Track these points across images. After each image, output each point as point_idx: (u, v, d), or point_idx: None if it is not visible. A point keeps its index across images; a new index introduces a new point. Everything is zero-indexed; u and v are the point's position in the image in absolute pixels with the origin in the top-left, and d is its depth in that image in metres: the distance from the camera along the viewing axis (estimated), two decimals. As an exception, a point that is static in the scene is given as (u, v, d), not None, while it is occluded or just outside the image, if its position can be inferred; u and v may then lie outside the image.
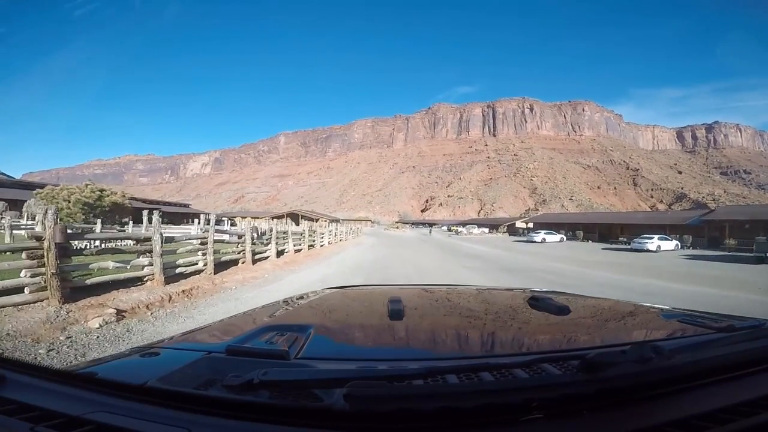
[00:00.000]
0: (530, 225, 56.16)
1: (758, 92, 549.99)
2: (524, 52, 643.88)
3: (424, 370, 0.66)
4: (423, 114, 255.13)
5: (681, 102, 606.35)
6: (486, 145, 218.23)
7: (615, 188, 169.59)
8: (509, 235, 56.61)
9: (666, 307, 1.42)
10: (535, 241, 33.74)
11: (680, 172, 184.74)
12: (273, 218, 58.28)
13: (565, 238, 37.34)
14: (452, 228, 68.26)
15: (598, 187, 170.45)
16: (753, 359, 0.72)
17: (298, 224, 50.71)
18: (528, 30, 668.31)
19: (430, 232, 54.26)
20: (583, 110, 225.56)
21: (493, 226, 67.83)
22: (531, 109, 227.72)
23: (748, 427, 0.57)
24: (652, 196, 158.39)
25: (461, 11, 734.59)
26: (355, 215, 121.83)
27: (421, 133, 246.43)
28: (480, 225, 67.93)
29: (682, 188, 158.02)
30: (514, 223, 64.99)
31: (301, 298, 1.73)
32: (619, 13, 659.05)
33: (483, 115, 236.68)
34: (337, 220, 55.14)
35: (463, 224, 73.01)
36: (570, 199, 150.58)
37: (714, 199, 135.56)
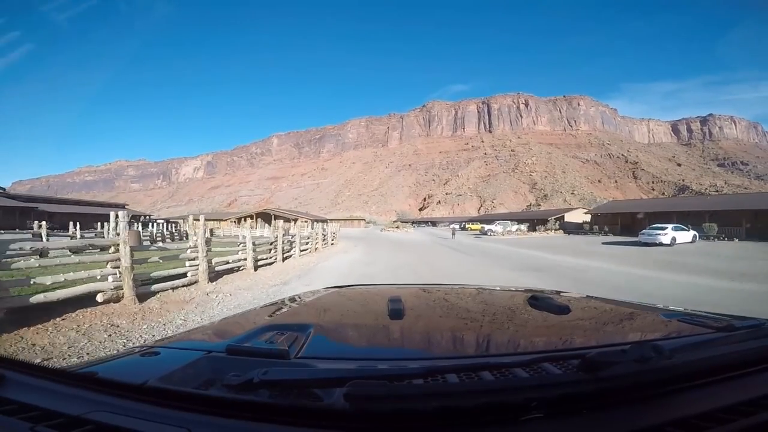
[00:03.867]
0: (586, 217, 41.27)
1: (749, 85, 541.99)
2: (517, 49, 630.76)
3: (424, 369, 0.64)
4: (417, 112, 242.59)
5: (673, 95, 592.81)
6: (482, 141, 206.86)
7: (616, 181, 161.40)
8: (564, 232, 39.71)
9: (666, 306, 1.38)
10: (661, 244, 19.95)
11: (679, 165, 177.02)
12: (238, 220, 44.22)
13: (697, 235, 23.37)
14: (467, 226, 52.34)
15: (599, 181, 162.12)
16: (753, 359, 0.71)
17: (270, 225, 38.35)
18: (519, 26, 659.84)
19: (453, 234, 33.06)
20: (579, 105, 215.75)
21: (538, 220, 46.68)
22: (526, 105, 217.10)
23: (748, 427, 0.55)
24: (653, 189, 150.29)
25: (453, 9, 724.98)
26: (350, 216, 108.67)
27: (416, 131, 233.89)
28: (514, 221, 46.54)
29: (683, 180, 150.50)
30: (562, 216, 45.98)
31: (302, 297, 1.68)
32: (607, 8, 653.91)
33: (478, 112, 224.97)
34: (324, 220, 42.07)
35: (490, 220, 50.37)
36: (572, 193, 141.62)
37: (717, 191, 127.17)
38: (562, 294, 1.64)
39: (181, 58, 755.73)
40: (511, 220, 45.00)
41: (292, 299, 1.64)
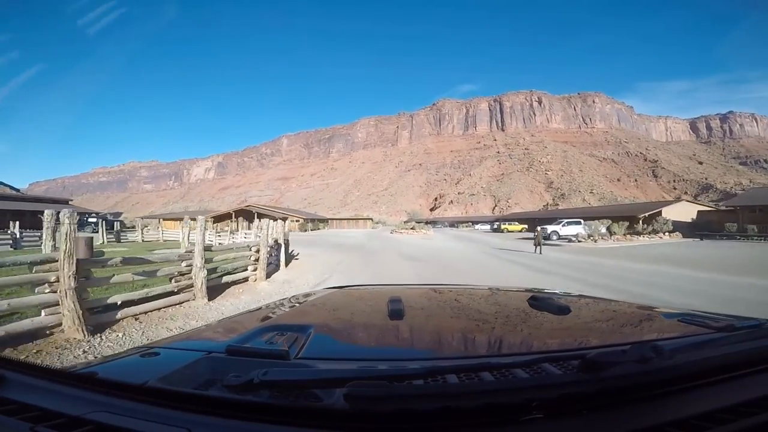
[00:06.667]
0: (692, 213, 29.93)
1: (766, 83, 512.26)
2: (527, 46, 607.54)
3: (425, 370, 0.63)
4: (427, 111, 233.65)
5: (689, 94, 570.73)
6: (495, 140, 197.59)
7: (636, 180, 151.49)
8: (683, 237, 26.90)
9: (666, 307, 1.32)
10: None
11: (701, 163, 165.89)
12: (215, 218, 35.38)
13: None
14: (503, 227, 43.33)
15: (618, 180, 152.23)
16: (753, 359, 0.69)
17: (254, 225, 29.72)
18: (529, 24, 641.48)
19: (537, 245, 16.06)
20: (594, 102, 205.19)
21: (615, 218, 30.82)
22: (539, 102, 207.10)
23: (748, 427, 0.54)
24: (675, 188, 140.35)
25: (463, 8, 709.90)
26: (356, 215, 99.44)
27: (427, 130, 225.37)
28: (601, 218, 31.16)
29: (706, 179, 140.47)
30: (659, 212, 31.34)
31: (302, 298, 1.64)
32: (617, 5, 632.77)
33: (490, 110, 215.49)
34: (324, 220, 33.08)
35: (554, 219, 33.43)
36: (591, 192, 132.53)
37: (743, 189, 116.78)
38: (562, 294, 1.61)
39: (191, 59, 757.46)
40: (584, 218, 29.52)
41: (293, 300, 1.60)
